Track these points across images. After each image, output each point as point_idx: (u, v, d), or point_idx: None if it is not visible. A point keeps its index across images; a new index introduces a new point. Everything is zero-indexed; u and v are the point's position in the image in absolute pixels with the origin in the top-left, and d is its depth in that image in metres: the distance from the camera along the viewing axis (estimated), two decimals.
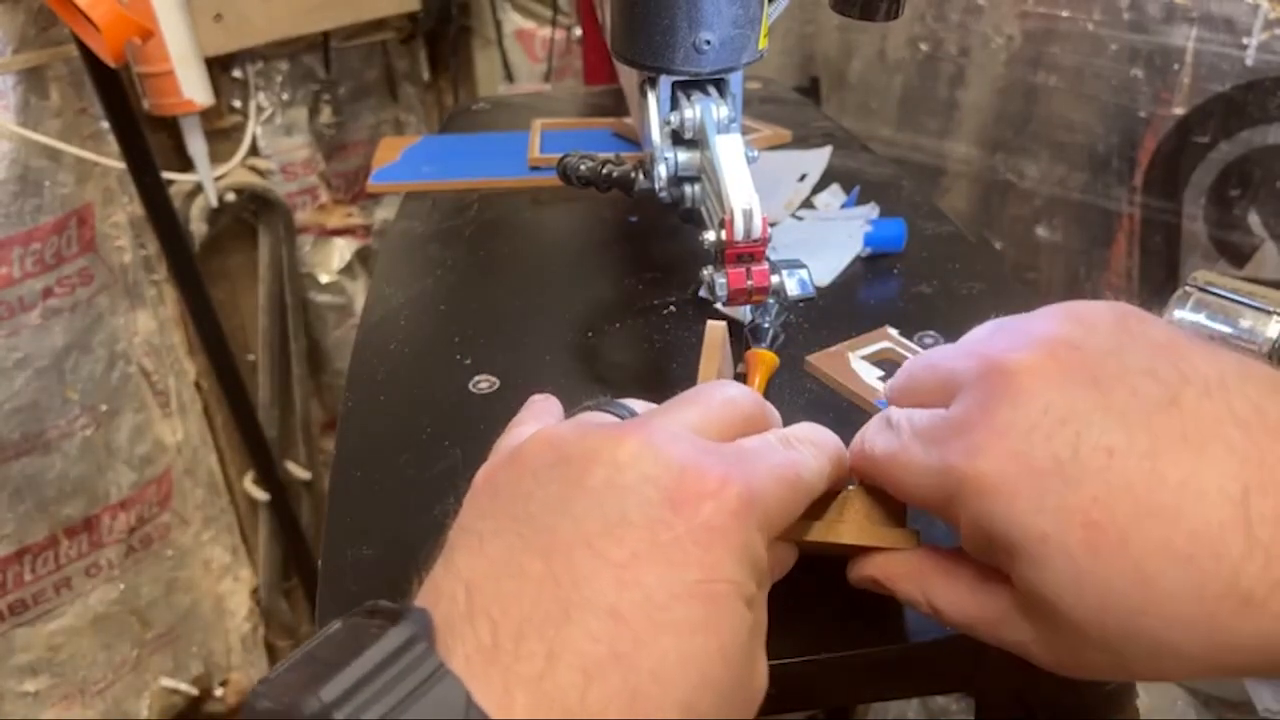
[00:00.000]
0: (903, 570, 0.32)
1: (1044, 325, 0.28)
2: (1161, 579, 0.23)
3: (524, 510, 0.25)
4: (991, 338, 0.29)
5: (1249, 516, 0.22)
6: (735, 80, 0.46)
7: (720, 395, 0.30)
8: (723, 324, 0.31)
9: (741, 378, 0.47)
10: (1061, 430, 0.25)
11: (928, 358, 0.32)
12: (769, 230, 0.41)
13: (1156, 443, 0.24)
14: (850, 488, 0.34)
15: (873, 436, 0.32)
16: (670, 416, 0.28)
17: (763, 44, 0.44)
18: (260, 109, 1.17)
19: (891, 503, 0.33)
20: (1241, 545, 0.22)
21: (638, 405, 0.32)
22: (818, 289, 0.48)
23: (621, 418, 0.30)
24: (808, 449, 0.30)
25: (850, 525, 0.33)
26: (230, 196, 1.14)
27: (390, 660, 0.21)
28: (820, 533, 0.33)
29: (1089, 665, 0.27)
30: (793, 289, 0.43)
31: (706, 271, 0.43)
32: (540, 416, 0.33)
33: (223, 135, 1.15)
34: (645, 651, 0.22)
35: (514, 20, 1.38)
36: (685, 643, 0.23)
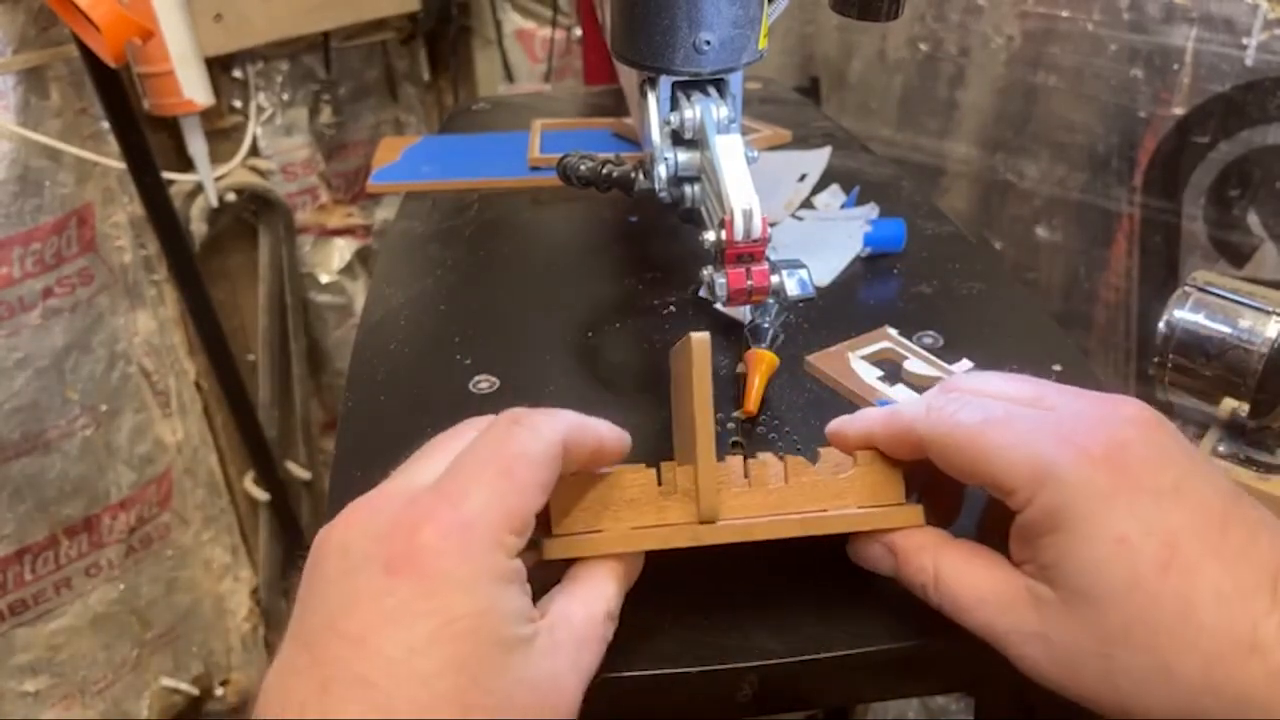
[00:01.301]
0: (915, 542, 0.33)
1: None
2: (1200, 610, 0.26)
3: (300, 615, 0.28)
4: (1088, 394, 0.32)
5: (1276, 588, 0.26)
6: (735, 80, 0.46)
7: (451, 444, 0.31)
8: (707, 335, 0.31)
9: (741, 378, 0.47)
10: (1171, 466, 0.28)
11: (1026, 385, 0.33)
12: (769, 230, 0.41)
13: (1230, 509, 0.28)
14: (848, 473, 0.34)
15: (957, 407, 0.32)
16: (400, 478, 0.31)
17: (763, 44, 0.44)
18: (260, 109, 1.17)
19: (891, 483, 0.34)
20: (1266, 605, 0.26)
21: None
22: (818, 289, 0.48)
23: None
24: (529, 426, 0.30)
25: (859, 512, 0.33)
26: (230, 196, 1.14)
27: None
28: (827, 524, 0.33)
29: (1076, 673, 0.28)
30: (793, 289, 0.43)
31: (706, 271, 0.43)
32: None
33: (223, 135, 1.15)
34: (399, 704, 0.25)
35: (514, 20, 1.38)
36: (435, 687, 0.25)
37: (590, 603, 0.31)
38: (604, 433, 0.32)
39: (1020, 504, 0.29)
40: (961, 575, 0.31)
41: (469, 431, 0.32)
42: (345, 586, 0.27)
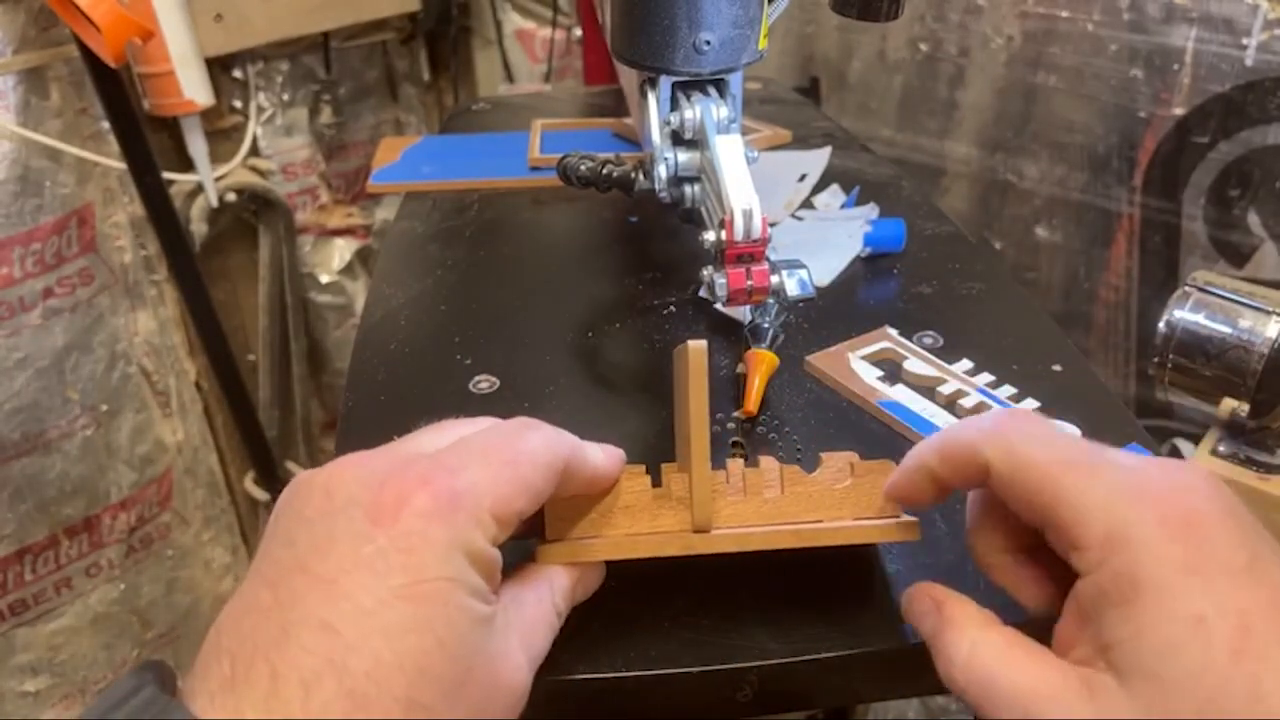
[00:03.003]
0: (962, 615, 0.30)
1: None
2: (1271, 698, 0.24)
3: (265, 551, 0.27)
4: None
5: None
6: (735, 80, 0.46)
7: (458, 428, 0.32)
8: (704, 343, 0.31)
9: (741, 378, 0.47)
10: (1245, 545, 0.27)
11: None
12: (769, 230, 0.41)
13: None
14: (844, 485, 0.34)
15: (1036, 434, 0.29)
16: (400, 444, 0.31)
17: (763, 44, 0.44)
18: (261, 109, 1.17)
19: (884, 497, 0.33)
20: None
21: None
22: (818, 289, 0.48)
23: None
24: (542, 433, 0.30)
25: (855, 525, 0.33)
26: (231, 196, 1.14)
27: (118, 704, 0.24)
28: (823, 536, 0.33)
29: None
30: (793, 289, 0.43)
31: (706, 271, 0.43)
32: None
33: (223, 135, 1.16)
34: (358, 656, 0.24)
35: (514, 20, 1.38)
36: (398, 643, 0.25)
37: (541, 592, 0.31)
38: (600, 464, 0.32)
39: (1089, 565, 0.27)
40: (1001, 660, 0.28)
41: (479, 422, 0.32)
42: (323, 527, 0.27)
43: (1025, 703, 0.27)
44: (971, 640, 0.29)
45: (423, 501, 0.26)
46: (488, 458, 0.29)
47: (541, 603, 0.31)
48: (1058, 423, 0.33)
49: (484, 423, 0.32)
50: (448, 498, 0.27)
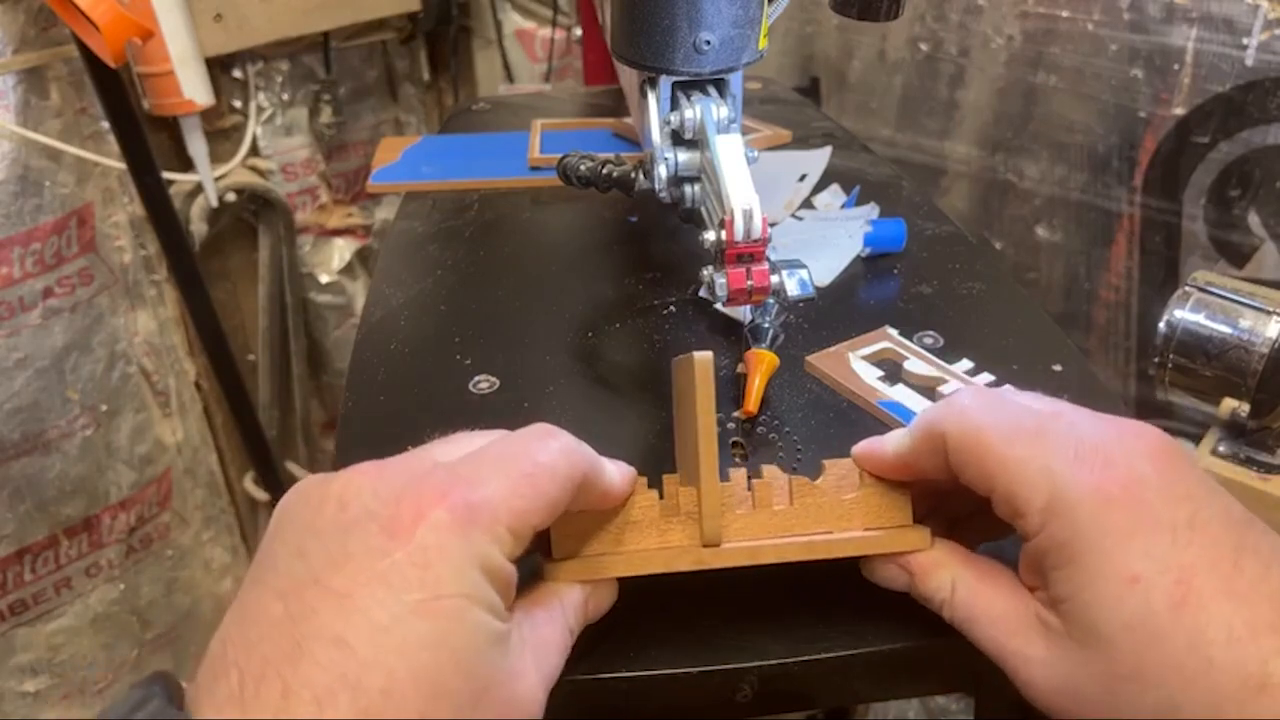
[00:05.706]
0: (931, 559, 0.33)
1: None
2: (1211, 648, 0.26)
3: (272, 559, 0.27)
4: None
5: None
6: (735, 80, 0.46)
7: (474, 439, 0.31)
8: (709, 354, 0.31)
9: (741, 378, 0.47)
10: (1186, 501, 0.28)
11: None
12: (769, 230, 0.41)
13: (1243, 541, 0.27)
14: (854, 494, 0.34)
15: (988, 404, 0.31)
16: (416, 453, 0.30)
17: (763, 44, 0.44)
18: (260, 109, 1.17)
19: (897, 504, 0.33)
20: (1277, 643, 0.26)
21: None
22: (818, 289, 0.48)
23: None
24: (562, 444, 0.30)
25: (865, 535, 0.33)
26: (230, 196, 1.14)
27: (127, 715, 0.24)
28: (833, 548, 0.33)
29: (1080, 705, 0.28)
30: (793, 289, 0.43)
31: (706, 271, 0.43)
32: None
33: (223, 135, 1.16)
34: (372, 673, 0.24)
35: (514, 20, 1.38)
36: (412, 659, 0.24)
37: (553, 610, 0.31)
38: (615, 481, 0.32)
39: (1032, 530, 0.29)
40: (976, 592, 0.31)
41: (493, 434, 0.31)
42: (337, 540, 0.26)
43: (996, 632, 0.30)
44: (950, 577, 0.32)
45: (439, 516, 0.26)
46: (505, 469, 0.28)
47: (554, 621, 0.31)
48: (1021, 393, 0.34)
49: (498, 434, 0.31)
50: (464, 511, 0.26)
